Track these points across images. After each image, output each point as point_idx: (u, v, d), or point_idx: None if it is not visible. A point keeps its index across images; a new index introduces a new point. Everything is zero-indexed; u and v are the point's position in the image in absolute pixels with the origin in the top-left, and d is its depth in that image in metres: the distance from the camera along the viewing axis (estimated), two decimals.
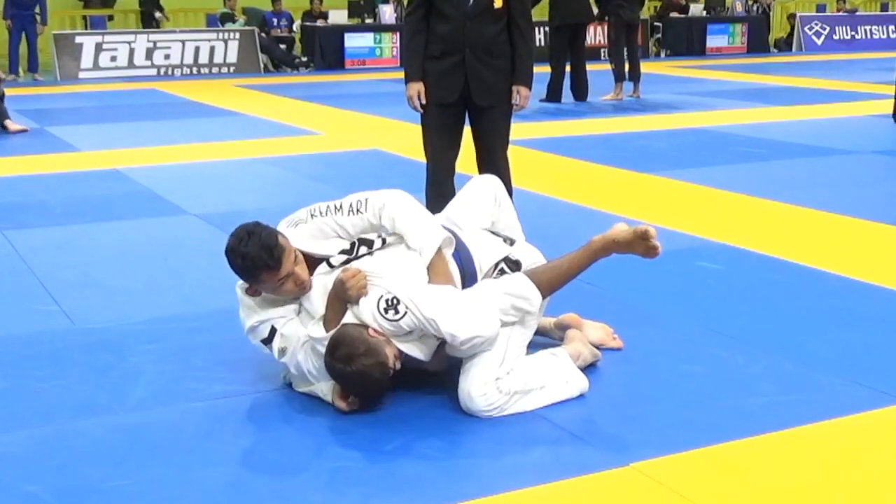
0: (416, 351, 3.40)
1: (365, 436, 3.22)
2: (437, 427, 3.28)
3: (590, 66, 12.95)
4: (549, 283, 3.57)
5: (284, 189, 6.98)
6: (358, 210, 3.58)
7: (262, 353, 3.64)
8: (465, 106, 5.21)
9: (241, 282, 3.59)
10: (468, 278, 3.59)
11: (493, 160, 5.26)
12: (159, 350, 4.01)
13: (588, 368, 3.67)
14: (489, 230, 3.87)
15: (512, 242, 3.82)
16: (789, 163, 8.21)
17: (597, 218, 6.18)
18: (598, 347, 3.85)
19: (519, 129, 10.18)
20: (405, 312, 3.30)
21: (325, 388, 3.45)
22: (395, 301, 3.32)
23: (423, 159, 5.42)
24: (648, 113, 11.45)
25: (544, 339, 3.89)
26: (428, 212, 3.67)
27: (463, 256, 3.63)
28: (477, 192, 3.94)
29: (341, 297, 3.40)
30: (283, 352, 3.52)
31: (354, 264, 3.49)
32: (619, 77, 12.68)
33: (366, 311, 3.35)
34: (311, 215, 3.62)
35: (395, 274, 3.45)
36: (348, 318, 3.39)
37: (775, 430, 3.20)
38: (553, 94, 12.38)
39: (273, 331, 3.54)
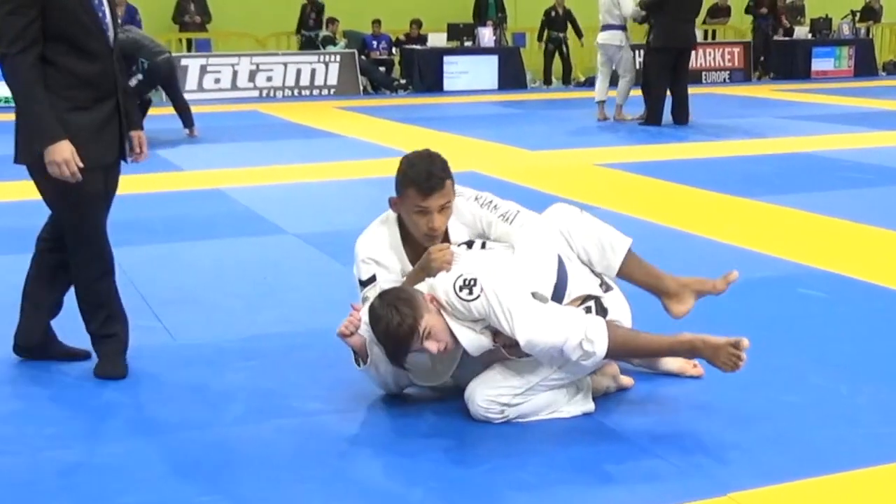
0: (468, 341, 3.37)
1: (461, 457, 3.21)
2: (528, 450, 3.25)
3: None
4: (619, 347, 3.38)
5: (382, 210, 7.02)
6: (507, 219, 3.64)
7: (357, 373, 3.66)
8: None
9: (363, 238, 3.73)
10: (555, 294, 3.54)
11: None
12: (256, 367, 4.06)
13: (685, 398, 3.62)
14: (590, 268, 3.79)
15: (608, 289, 3.73)
16: None
17: (698, 243, 6.10)
18: (678, 376, 3.84)
19: (618, 153, 10.17)
20: (478, 296, 3.29)
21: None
22: (472, 282, 3.31)
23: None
24: (751, 137, 11.27)
25: None
26: (550, 253, 3.57)
27: (560, 273, 3.60)
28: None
29: (424, 267, 3.48)
30: (366, 301, 3.56)
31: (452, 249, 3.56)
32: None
33: (441, 285, 3.37)
34: (476, 199, 3.73)
35: (484, 265, 3.45)
36: (422, 288, 3.42)
37: (879, 463, 3.10)
38: (653, 116, 12.24)
39: (373, 279, 3.62)
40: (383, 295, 3.38)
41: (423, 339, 3.30)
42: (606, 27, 12.55)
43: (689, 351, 3.44)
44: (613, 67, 12.71)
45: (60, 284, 4.12)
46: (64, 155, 3.69)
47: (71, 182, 3.72)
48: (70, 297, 4.07)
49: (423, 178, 3.52)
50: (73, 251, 3.96)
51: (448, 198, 3.58)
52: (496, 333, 3.37)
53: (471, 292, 3.30)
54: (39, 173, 3.81)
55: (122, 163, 4.08)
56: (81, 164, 3.72)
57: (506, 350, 3.42)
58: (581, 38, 18.87)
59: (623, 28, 12.56)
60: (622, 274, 3.79)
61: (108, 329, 4.03)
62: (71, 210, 3.88)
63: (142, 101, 11.27)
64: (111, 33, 3.90)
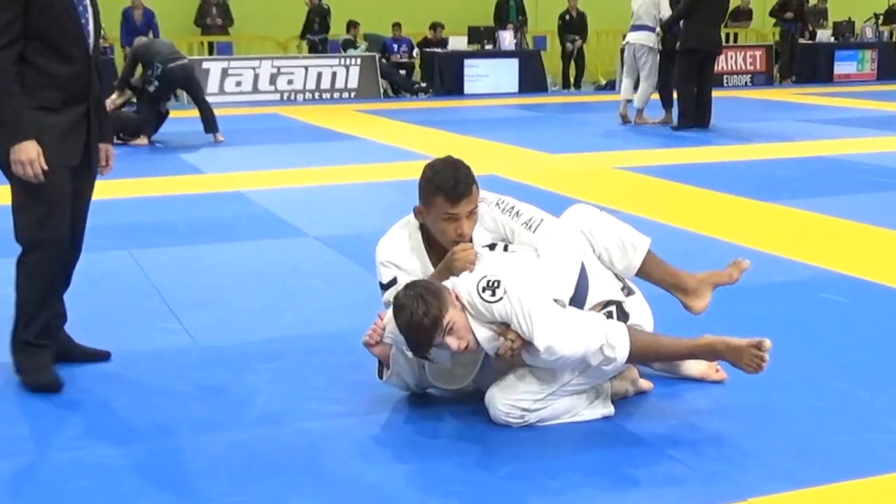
0: (485, 340, 3.36)
1: (481, 460, 3.22)
2: (548, 453, 3.26)
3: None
4: (640, 352, 3.40)
5: (402, 213, 6.99)
6: (530, 227, 3.62)
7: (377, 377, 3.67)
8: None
9: (383, 242, 3.72)
10: (576, 301, 3.55)
11: (77, 243, 4.08)
12: (276, 370, 4.07)
13: (705, 402, 3.60)
14: (611, 269, 3.78)
15: (629, 293, 3.73)
16: None
17: (718, 247, 6.07)
18: (700, 381, 3.83)
19: (638, 157, 10.15)
20: (501, 298, 3.28)
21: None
22: (495, 283, 3.30)
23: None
24: (773, 140, 11.22)
25: None
26: (573, 262, 3.55)
27: (580, 279, 3.60)
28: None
29: (448, 266, 3.48)
30: (389, 305, 3.55)
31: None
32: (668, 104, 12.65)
33: (463, 284, 3.36)
34: (497, 204, 3.70)
35: (507, 268, 3.44)
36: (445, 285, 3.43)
37: None
38: (687, 118, 12.01)
39: (394, 282, 3.61)
40: (410, 286, 3.37)
41: (446, 333, 3.29)
42: (641, 27, 12.48)
43: (711, 353, 3.44)
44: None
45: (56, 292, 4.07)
46: (30, 155, 3.67)
47: (34, 182, 3.70)
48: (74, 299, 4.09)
49: (451, 185, 3.51)
50: (30, 251, 3.85)
51: (475, 203, 3.58)
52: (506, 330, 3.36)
53: (493, 294, 3.30)
54: (6, 169, 3.78)
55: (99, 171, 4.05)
56: (45, 167, 3.70)
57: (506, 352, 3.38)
58: (584, 42, 18.82)
59: (654, 30, 12.53)
60: (641, 273, 3.79)
61: (44, 339, 3.91)
62: (33, 209, 3.80)
63: (160, 114, 11.34)
64: (92, 39, 3.86)
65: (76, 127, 3.87)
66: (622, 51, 13.98)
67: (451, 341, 3.30)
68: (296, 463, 3.22)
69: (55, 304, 3.98)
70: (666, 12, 12.24)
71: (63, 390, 3.84)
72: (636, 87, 12.69)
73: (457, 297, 3.35)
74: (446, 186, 3.51)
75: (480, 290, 3.31)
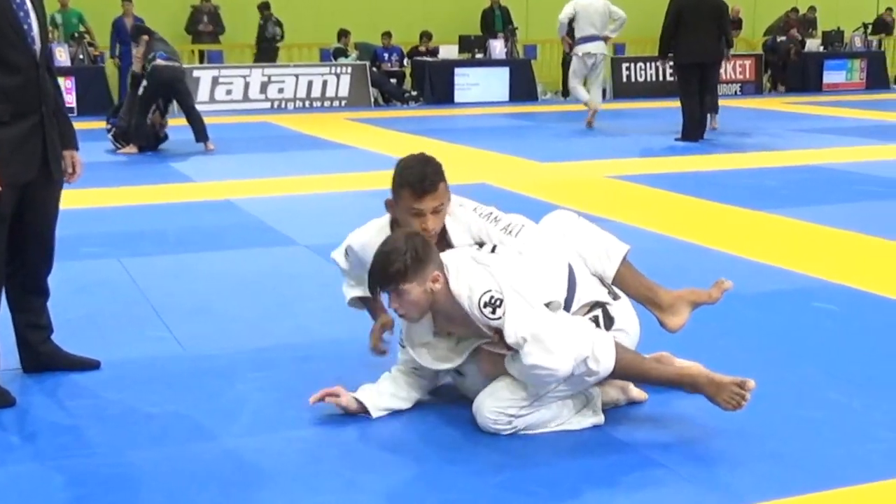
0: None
1: (474, 469, 3.21)
2: (539, 462, 3.25)
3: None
4: (623, 370, 3.41)
5: None
6: (510, 232, 3.65)
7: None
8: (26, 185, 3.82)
9: (356, 231, 3.88)
10: (565, 302, 3.54)
11: (47, 255, 4.04)
12: (267, 378, 4.06)
13: (696, 411, 3.61)
14: (598, 277, 3.76)
15: (615, 298, 3.71)
16: None
17: (710, 256, 6.08)
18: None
19: (629, 165, 10.16)
20: (500, 318, 3.31)
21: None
22: (497, 302, 3.33)
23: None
24: (763, 149, 11.25)
25: None
26: (562, 264, 3.59)
27: (570, 280, 3.59)
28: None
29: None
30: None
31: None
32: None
33: (466, 289, 3.38)
34: (475, 209, 3.75)
35: (500, 266, 3.45)
36: (458, 260, 3.48)
37: (893, 477, 3.08)
38: (689, 132, 11.87)
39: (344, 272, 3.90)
40: (416, 234, 3.45)
41: (396, 294, 3.36)
42: (597, 38, 13.31)
43: (692, 385, 3.42)
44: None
45: (35, 305, 4.04)
46: None
47: None
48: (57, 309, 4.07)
49: (416, 180, 3.57)
50: None
51: (441, 200, 3.62)
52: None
53: (493, 312, 3.32)
54: None
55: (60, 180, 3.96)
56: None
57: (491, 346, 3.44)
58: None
59: (607, 40, 13.56)
60: (616, 283, 3.76)
61: None
62: None
63: (157, 137, 11.32)
64: (38, 46, 3.74)
65: (30, 139, 3.74)
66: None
67: (394, 302, 3.40)
68: (287, 471, 3.21)
69: None
70: (622, 15, 13.25)
71: (18, 403, 3.78)
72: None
73: (437, 279, 3.36)
74: (413, 181, 3.58)
75: (482, 304, 3.33)
